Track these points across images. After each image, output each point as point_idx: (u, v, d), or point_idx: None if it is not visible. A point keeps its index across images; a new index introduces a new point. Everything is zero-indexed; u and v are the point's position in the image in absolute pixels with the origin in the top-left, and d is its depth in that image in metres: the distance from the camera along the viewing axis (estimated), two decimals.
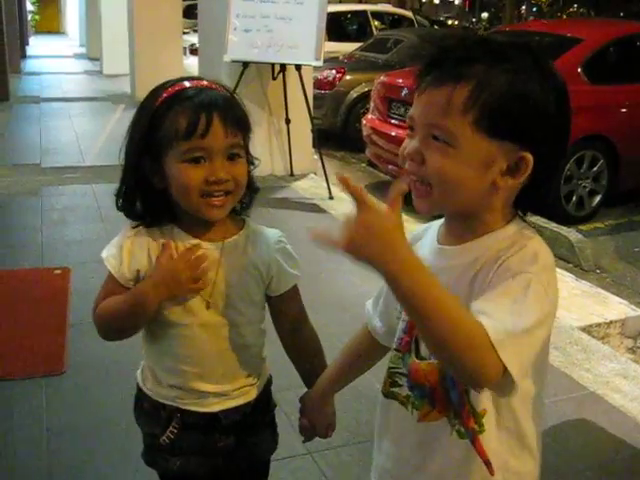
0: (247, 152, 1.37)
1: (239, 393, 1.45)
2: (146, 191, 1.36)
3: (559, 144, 1.11)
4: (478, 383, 1.03)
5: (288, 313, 1.50)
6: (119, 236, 1.40)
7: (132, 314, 1.36)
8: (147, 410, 1.48)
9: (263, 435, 1.53)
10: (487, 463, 1.14)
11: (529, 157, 1.06)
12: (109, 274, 1.38)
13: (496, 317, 0.98)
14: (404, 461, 1.24)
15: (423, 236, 1.26)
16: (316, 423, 1.51)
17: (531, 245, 1.07)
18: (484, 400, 1.12)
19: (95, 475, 2.32)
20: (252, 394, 1.48)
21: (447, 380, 1.13)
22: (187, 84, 1.33)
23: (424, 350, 1.17)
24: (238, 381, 1.44)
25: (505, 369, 0.96)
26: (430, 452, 1.19)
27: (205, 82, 1.36)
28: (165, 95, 1.32)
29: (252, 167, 1.41)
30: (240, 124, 1.32)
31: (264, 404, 1.52)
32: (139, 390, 1.51)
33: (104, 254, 1.39)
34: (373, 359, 1.42)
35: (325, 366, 1.52)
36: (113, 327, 1.40)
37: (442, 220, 1.23)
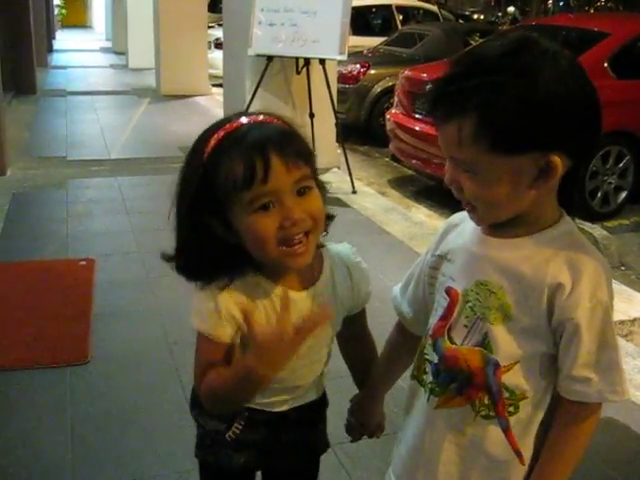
0: (316, 179, 1.24)
1: (307, 393, 1.44)
2: (213, 247, 1.21)
3: (585, 135, 1.09)
4: None
5: (356, 327, 1.48)
6: (205, 302, 1.22)
7: (242, 391, 1.19)
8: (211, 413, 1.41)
9: (321, 430, 1.53)
10: (518, 453, 1.17)
11: (555, 159, 1.06)
12: (205, 340, 1.23)
13: (597, 385, 1.11)
14: (418, 447, 1.26)
15: (460, 223, 1.27)
16: (366, 424, 1.52)
17: (591, 264, 1.11)
18: (524, 386, 1.15)
19: (118, 463, 2.34)
20: (320, 392, 1.47)
21: (490, 366, 1.15)
22: (235, 124, 1.19)
23: (456, 335, 1.19)
24: (309, 384, 1.42)
25: None
26: (445, 440, 1.21)
27: (256, 116, 1.22)
28: (213, 143, 1.18)
29: (324, 193, 1.26)
30: (301, 155, 1.18)
31: (323, 399, 1.51)
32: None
33: (202, 326, 1.23)
34: (411, 352, 1.40)
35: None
36: (222, 404, 1.26)
37: None
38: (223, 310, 1.21)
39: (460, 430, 1.19)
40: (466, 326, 1.18)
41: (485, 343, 1.15)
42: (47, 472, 2.30)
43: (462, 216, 1.27)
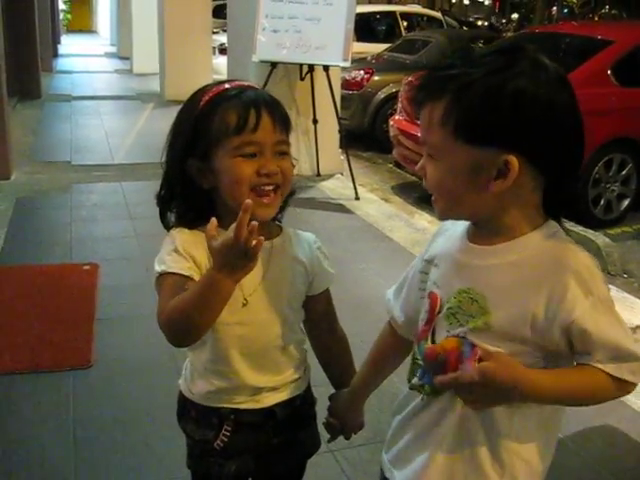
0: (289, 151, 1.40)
1: (291, 386, 1.47)
2: (191, 193, 1.35)
3: (553, 143, 1.09)
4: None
5: (322, 313, 1.51)
6: (166, 247, 1.33)
7: (205, 303, 1.18)
8: (196, 417, 1.45)
9: (311, 430, 1.56)
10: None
11: (513, 159, 1.07)
12: (166, 278, 1.28)
13: (604, 355, 1.08)
14: (411, 446, 1.27)
15: (451, 228, 1.28)
16: (346, 423, 1.52)
17: (577, 262, 1.10)
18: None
19: (119, 467, 2.36)
20: (302, 386, 1.50)
21: (465, 346, 1.11)
22: (227, 85, 1.35)
23: (439, 339, 1.19)
24: (289, 373, 1.46)
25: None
26: (434, 434, 1.21)
27: (245, 83, 1.38)
28: (207, 97, 1.33)
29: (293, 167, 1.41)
30: (286, 122, 1.35)
31: (310, 397, 1.54)
32: (184, 399, 1.47)
33: (160, 267, 1.29)
34: (400, 355, 1.42)
35: (353, 366, 1.55)
36: (185, 326, 1.22)
37: None
38: (180, 248, 1.30)
39: (451, 420, 1.19)
40: (448, 332, 1.17)
41: None
42: (49, 475, 2.32)
43: (454, 221, 1.28)
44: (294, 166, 1.40)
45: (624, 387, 1.09)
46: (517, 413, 1.15)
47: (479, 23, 28.30)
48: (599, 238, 4.97)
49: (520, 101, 1.05)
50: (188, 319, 1.20)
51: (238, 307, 1.35)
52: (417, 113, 1.16)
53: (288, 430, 1.47)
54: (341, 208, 5.39)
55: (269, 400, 1.43)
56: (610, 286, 3.81)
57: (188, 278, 1.27)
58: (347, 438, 1.56)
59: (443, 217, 1.22)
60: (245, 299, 1.36)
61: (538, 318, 1.09)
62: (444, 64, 1.14)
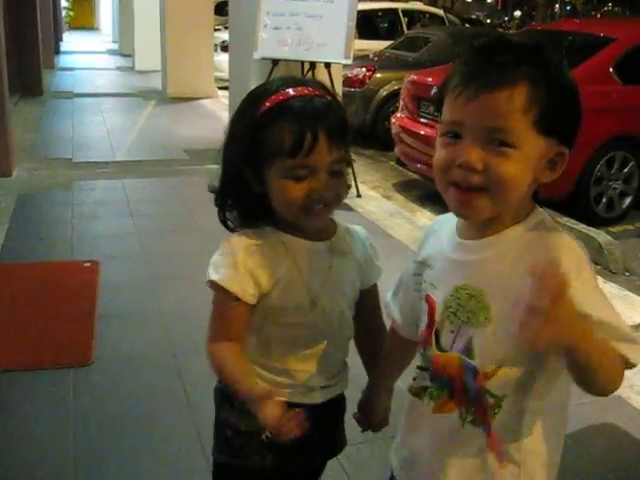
0: (348, 160, 1.35)
1: (340, 383, 1.47)
2: (246, 195, 1.34)
3: (577, 134, 1.14)
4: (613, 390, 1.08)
5: (370, 306, 1.51)
6: (227, 256, 1.32)
7: (235, 389, 1.30)
8: (240, 408, 1.38)
9: (343, 427, 1.56)
10: (499, 454, 1.15)
11: (566, 151, 1.10)
12: (222, 293, 1.30)
13: (608, 335, 1.05)
14: (422, 452, 1.26)
15: (439, 229, 1.28)
16: (368, 417, 1.51)
17: (567, 248, 1.10)
18: (506, 386, 1.14)
19: (120, 464, 2.35)
20: (346, 384, 1.50)
21: (468, 374, 1.15)
22: (291, 92, 1.28)
23: (444, 341, 1.19)
24: (339, 370, 1.46)
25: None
26: (445, 444, 1.21)
27: (309, 88, 1.30)
28: (269, 104, 1.28)
29: (351, 169, 1.39)
30: (344, 136, 1.29)
31: (344, 396, 1.54)
32: (225, 390, 1.44)
33: (215, 277, 1.30)
34: (407, 354, 1.41)
35: None
36: (219, 377, 1.39)
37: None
38: (241, 265, 1.29)
39: (456, 436, 1.19)
40: (452, 332, 1.17)
41: (469, 348, 1.15)
42: (49, 472, 2.31)
43: (441, 220, 1.29)
44: (349, 186, 1.36)
45: (623, 369, 1.07)
46: (527, 411, 1.15)
47: (482, 20, 28.26)
48: (601, 236, 4.96)
49: (577, 96, 1.11)
50: (222, 378, 1.36)
51: (307, 309, 1.35)
52: (476, 94, 1.06)
53: (327, 425, 1.47)
54: (343, 205, 5.32)
55: (321, 397, 1.42)
56: (611, 284, 3.83)
57: (240, 301, 1.29)
58: (374, 431, 1.54)
59: (481, 216, 1.12)
60: (313, 301, 1.35)
61: None
62: (502, 44, 1.10)
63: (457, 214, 1.16)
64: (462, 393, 1.16)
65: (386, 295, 1.44)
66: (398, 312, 1.39)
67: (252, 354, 1.38)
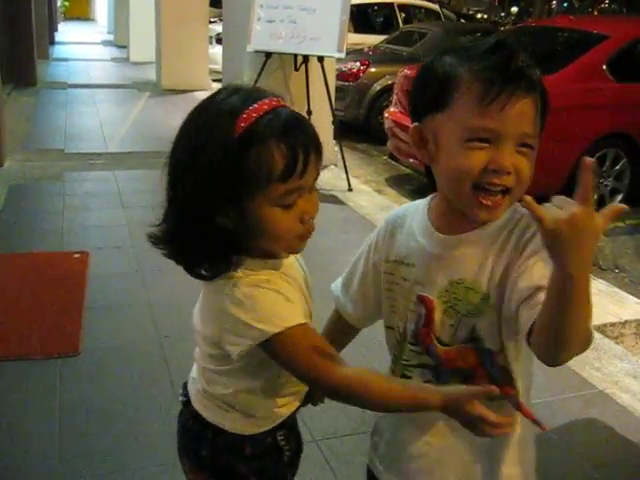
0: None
1: None
2: (216, 234, 1.15)
3: None
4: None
5: None
6: (261, 302, 1.15)
7: (406, 409, 1.19)
8: (257, 452, 1.32)
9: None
10: (535, 421, 1.14)
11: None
12: (297, 330, 1.14)
13: None
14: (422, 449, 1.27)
15: (403, 224, 1.29)
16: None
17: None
18: (517, 364, 1.18)
19: (105, 454, 2.36)
20: None
21: (486, 359, 1.18)
22: (264, 107, 1.12)
23: (444, 335, 1.20)
24: None
25: None
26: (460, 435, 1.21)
27: (274, 99, 1.16)
28: (244, 125, 1.10)
29: None
30: (322, 154, 1.17)
31: None
32: (241, 438, 1.31)
33: (283, 325, 1.13)
34: (348, 335, 1.48)
35: None
36: (361, 402, 1.18)
37: (421, 206, 1.27)
38: (290, 295, 1.17)
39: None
40: (452, 325, 1.19)
41: (474, 336, 1.17)
42: (32, 462, 2.32)
43: (402, 215, 1.31)
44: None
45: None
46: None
47: (478, 16, 28.24)
48: None
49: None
50: (370, 402, 1.17)
51: (309, 323, 1.26)
52: (511, 99, 1.07)
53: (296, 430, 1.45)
54: (333, 199, 5.38)
55: (296, 404, 1.39)
56: (600, 280, 3.83)
57: (307, 324, 1.18)
58: (314, 405, 1.51)
59: (497, 215, 1.14)
60: (311, 312, 1.31)
61: (512, 279, 1.12)
62: (516, 51, 1.12)
63: (478, 217, 1.14)
64: (484, 378, 1.18)
65: (332, 287, 1.45)
66: (352, 307, 1.41)
67: (265, 392, 1.28)
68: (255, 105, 1.12)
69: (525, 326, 1.04)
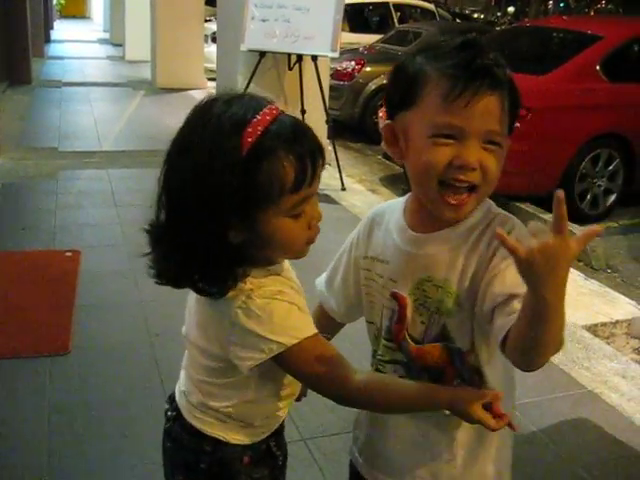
0: None
1: None
2: (223, 250, 1.11)
3: None
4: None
5: None
6: (275, 312, 1.13)
7: (414, 409, 1.23)
8: (255, 460, 1.32)
9: None
10: (509, 424, 1.14)
11: (509, 142, 1.16)
12: (310, 341, 1.15)
13: None
14: (396, 446, 1.29)
15: (381, 221, 1.30)
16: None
17: (512, 222, 1.16)
18: (481, 359, 1.19)
19: (94, 453, 2.36)
20: None
21: (456, 358, 1.19)
22: (267, 117, 1.10)
23: (415, 332, 1.21)
24: None
25: None
26: (429, 430, 1.24)
27: (272, 107, 1.14)
28: (250, 140, 1.07)
29: None
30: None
31: None
32: (241, 448, 1.30)
33: (298, 336, 1.13)
34: (333, 329, 1.48)
35: None
36: (378, 408, 1.25)
37: (399, 204, 1.28)
38: (302, 305, 1.17)
39: (442, 420, 1.21)
40: (423, 322, 1.20)
41: (445, 334, 1.18)
42: (21, 460, 2.31)
43: (382, 212, 1.32)
44: None
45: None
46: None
47: (475, 16, 28.27)
48: None
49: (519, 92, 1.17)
50: (387, 407, 1.22)
51: None
52: (476, 96, 1.08)
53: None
54: (326, 198, 5.38)
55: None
56: (592, 280, 3.85)
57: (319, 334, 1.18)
58: (297, 400, 1.49)
59: (465, 215, 1.16)
60: None
61: (485, 281, 1.12)
62: (484, 48, 1.13)
63: (444, 216, 1.15)
64: (455, 379, 1.20)
65: (316, 282, 1.46)
66: (336, 303, 1.42)
67: (268, 399, 1.28)
68: (258, 117, 1.10)
69: (499, 332, 1.05)
